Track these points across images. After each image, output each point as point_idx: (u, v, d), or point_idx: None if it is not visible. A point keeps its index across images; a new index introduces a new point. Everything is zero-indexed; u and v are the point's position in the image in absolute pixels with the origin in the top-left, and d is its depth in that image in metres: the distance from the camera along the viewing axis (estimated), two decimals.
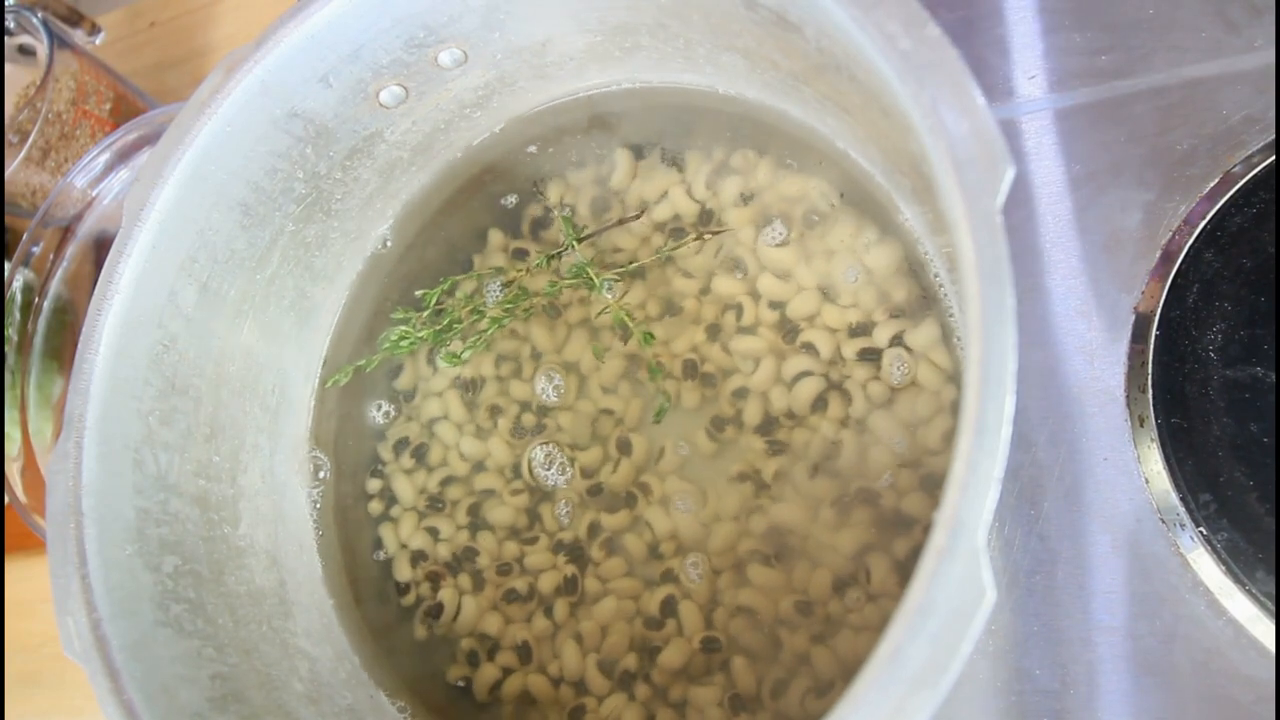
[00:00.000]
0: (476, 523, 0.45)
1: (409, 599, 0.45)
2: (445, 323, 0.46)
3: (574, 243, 0.44)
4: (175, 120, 0.38)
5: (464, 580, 0.44)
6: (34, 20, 0.59)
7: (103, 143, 0.57)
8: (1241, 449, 0.37)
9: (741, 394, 0.41)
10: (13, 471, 0.55)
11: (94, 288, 0.38)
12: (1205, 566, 0.37)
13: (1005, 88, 0.44)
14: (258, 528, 0.43)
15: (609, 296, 0.44)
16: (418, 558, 0.45)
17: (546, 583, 0.42)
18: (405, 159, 0.47)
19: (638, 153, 0.46)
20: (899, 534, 0.37)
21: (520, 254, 0.47)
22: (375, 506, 0.47)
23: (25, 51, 0.62)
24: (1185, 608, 0.37)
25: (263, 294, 0.44)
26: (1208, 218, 0.39)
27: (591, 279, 0.43)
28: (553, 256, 0.45)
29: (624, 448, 0.42)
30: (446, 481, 0.46)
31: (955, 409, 0.38)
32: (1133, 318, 0.40)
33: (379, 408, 0.48)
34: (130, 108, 0.63)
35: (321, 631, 0.43)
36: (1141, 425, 0.39)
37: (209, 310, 0.41)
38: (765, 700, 0.38)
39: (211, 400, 0.42)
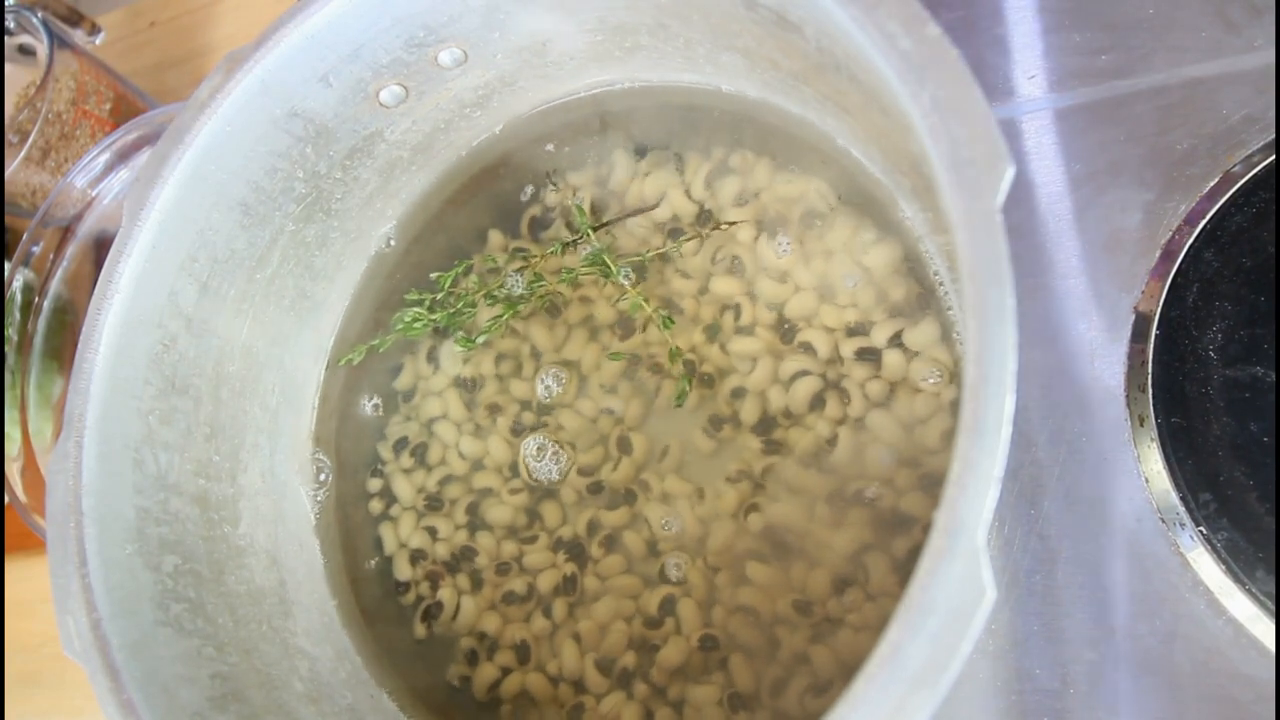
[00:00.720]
0: (475, 522, 0.45)
1: (408, 598, 0.45)
2: (459, 306, 0.46)
3: (589, 230, 0.44)
4: (175, 120, 0.38)
5: (463, 580, 0.44)
6: (34, 20, 0.59)
7: (103, 143, 0.57)
8: (1241, 448, 0.37)
9: (739, 393, 0.41)
10: (13, 471, 0.55)
11: (94, 288, 0.38)
12: (1205, 566, 0.37)
13: (1005, 87, 0.44)
14: (258, 527, 0.43)
15: (625, 283, 0.44)
16: (417, 557, 0.45)
17: (545, 582, 0.42)
18: (405, 158, 0.47)
19: (637, 152, 0.46)
20: (898, 533, 0.37)
21: (520, 254, 0.47)
22: (375, 506, 0.47)
23: (25, 51, 0.62)
24: (1185, 607, 0.37)
25: (263, 294, 0.44)
26: (1208, 217, 0.39)
27: (608, 265, 0.43)
28: (568, 244, 0.45)
29: (624, 446, 0.42)
30: (445, 481, 0.46)
31: (955, 408, 0.38)
32: (1133, 317, 0.40)
33: (369, 400, 0.48)
34: (130, 108, 0.63)
35: (321, 631, 0.43)
36: (1141, 425, 0.39)
37: (209, 310, 0.41)
38: (764, 699, 0.38)
39: (211, 400, 0.42)
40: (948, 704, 0.23)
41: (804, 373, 0.40)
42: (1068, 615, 0.38)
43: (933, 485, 0.37)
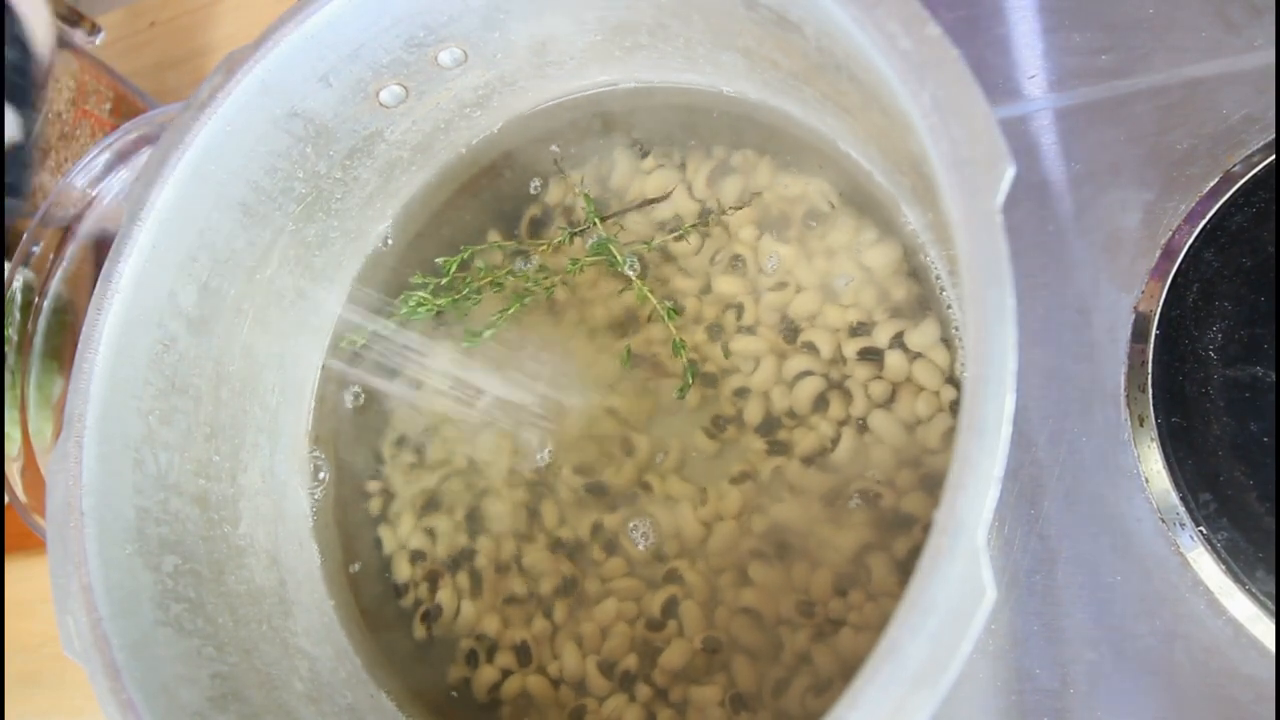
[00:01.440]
0: (475, 522, 0.45)
1: (408, 599, 0.45)
2: (464, 291, 0.46)
3: (596, 219, 0.44)
4: (175, 120, 0.38)
5: (462, 580, 0.44)
6: None
7: (103, 143, 0.57)
8: (1241, 448, 0.37)
9: (742, 393, 0.41)
10: (13, 471, 0.55)
11: (94, 288, 0.38)
12: (1205, 566, 0.37)
13: (1005, 87, 0.44)
14: (258, 527, 0.43)
15: (631, 274, 0.44)
16: (416, 557, 0.45)
17: (546, 583, 0.42)
18: (405, 158, 0.47)
19: (638, 152, 0.46)
20: (899, 533, 0.37)
21: (520, 253, 0.47)
22: (375, 506, 0.47)
23: None
24: (1185, 607, 0.37)
25: (263, 294, 0.44)
26: (1208, 217, 0.39)
27: (614, 255, 0.43)
28: (575, 234, 0.45)
29: (626, 447, 0.42)
30: (445, 480, 0.46)
31: (955, 408, 0.38)
32: (1133, 317, 0.40)
33: (369, 400, 0.48)
34: (130, 108, 0.63)
35: (321, 631, 0.43)
36: (1141, 425, 0.39)
37: (209, 310, 0.41)
38: (766, 699, 0.38)
39: (211, 400, 0.42)
40: (948, 704, 0.23)
41: (807, 373, 0.40)
42: (1068, 615, 0.38)
43: (933, 485, 0.37)
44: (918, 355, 0.39)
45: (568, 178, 0.47)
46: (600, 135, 0.47)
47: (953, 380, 0.38)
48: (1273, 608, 0.35)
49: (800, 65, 0.37)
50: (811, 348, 0.40)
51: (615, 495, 0.42)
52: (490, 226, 0.48)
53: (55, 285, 0.58)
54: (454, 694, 0.43)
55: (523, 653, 0.42)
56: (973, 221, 0.25)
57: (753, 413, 0.41)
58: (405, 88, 0.43)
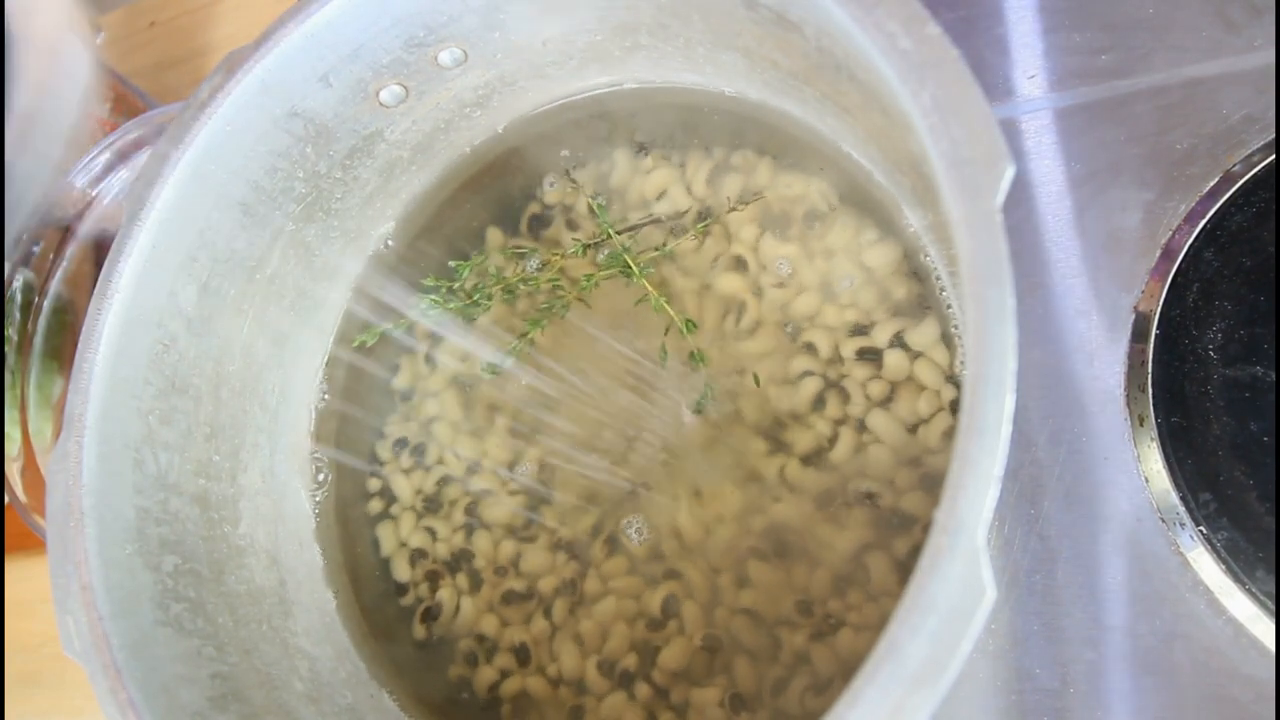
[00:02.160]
0: (474, 523, 0.45)
1: (408, 599, 0.45)
2: (475, 297, 0.46)
3: (611, 232, 0.44)
4: (175, 120, 0.38)
5: (462, 580, 0.44)
6: None
7: (103, 143, 0.57)
8: (1241, 448, 0.37)
9: (743, 394, 0.41)
10: (13, 471, 0.55)
11: (94, 288, 0.38)
12: (1205, 566, 0.37)
13: (1005, 87, 0.44)
14: (258, 527, 0.43)
15: (648, 285, 0.44)
16: (416, 557, 0.45)
17: (546, 583, 0.42)
18: (405, 158, 0.47)
19: (638, 151, 0.46)
20: (899, 533, 0.37)
21: (519, 253, 0.47)
22: (375, 506, 0.47)
23: None
24: (1185, 607, 0.37)
25: (263, 294, 0.44)
26: (1208, 217, 0.39)
27: (630, 266, 0.43)
28: (589, 246, 0.45)
29: (626, 447, 0.42)
30: (444, 481, 0.46)
31: (955, 408, 0.38)
32: (1133, 317, 0.40)
33: (369, 399, 0.48)
34: (130, 108, 0.63)
35: (322, 631, 0.43)
36: (1141, 424, 0.39)
37: (209, 310, 0.41)
38: (765, 699, 0.38)
39: (211, 400, 0.42)
40: (948, 704, 0.23)
41: (807, 373, 0.40)
42: (1068, 615, 0.38)
43: (933, 484, 0.37)
44: (918, 354, 0.39)
45: (571, 178, 0.47)
46: (600, 135, 0.47)
47: (953, 379, 0.38)
48: (1273, 608, 0.35)
49: (800, 65, 0.37)
50: (811, 347, 0.40)
51: (615, 495, 0.42)
52: (491, 226, 0.48)
53: (55, 285, 0.58)
54: (454, 693, 0.43)
55: (522, 653, 0.42)
56: (973, 221, 0.25)
57: (753, 413, 0.41)
58: (405, 88, 0.43)
